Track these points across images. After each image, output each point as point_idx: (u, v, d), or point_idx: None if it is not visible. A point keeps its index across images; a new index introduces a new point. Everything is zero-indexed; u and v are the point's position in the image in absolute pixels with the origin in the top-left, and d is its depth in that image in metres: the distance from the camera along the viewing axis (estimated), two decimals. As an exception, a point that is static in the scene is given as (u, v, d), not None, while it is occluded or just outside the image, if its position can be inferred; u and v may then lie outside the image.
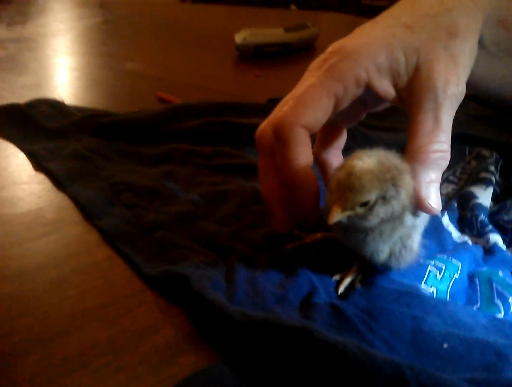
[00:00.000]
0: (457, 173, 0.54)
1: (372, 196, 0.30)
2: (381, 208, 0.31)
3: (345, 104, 0.35)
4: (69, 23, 1.03)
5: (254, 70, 0.80)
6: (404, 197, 0.31)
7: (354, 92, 0.35)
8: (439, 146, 0.33)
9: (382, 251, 0.33)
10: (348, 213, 0.31)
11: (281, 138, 0.35)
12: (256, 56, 0.86)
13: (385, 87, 0.35)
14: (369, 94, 0.37)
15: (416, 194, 0.32)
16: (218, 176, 0.48)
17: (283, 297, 0.33)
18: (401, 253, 0.34)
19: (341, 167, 0.32)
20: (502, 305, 0.35)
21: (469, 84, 0.46)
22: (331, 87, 0.34)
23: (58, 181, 0.44)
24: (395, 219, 0.32)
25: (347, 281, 0.35)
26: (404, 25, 0.35)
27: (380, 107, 0.42)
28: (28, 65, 0.75)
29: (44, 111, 0.52)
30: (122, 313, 0.32)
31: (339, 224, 0.32)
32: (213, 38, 0.98)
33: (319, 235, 0.39)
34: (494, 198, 0.49)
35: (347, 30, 0.37)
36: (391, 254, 0.34)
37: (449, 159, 0.34)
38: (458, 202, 0.47)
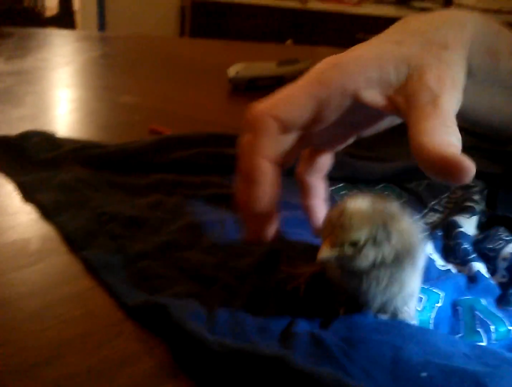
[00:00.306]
0: (442, 202, 0.54)
1: (361, 236, 0.30)
2: (370, 250, 0.31)
3: (330, 114, 0.34)
4: (69, 57, 1.05)
5: (247, 103, 0.81)
6: (396, 242, 0.31)
7: (339, 101, 0.34)
8: (446, 123, 0.31)
9: (377, 302, 0.33)
10: (337, 251, 0.31)
11: (252, 125, 0.34)
12: (249, 89, 0.87)
13: (374, 96, 0.34)
14: (359, 114, 0.37)
15: (438, 156, 0.28)
16: (205, 206, 0.49)
17: (264, 328, 0.33)
18: (395, 312, 0.34)
19: (335, 207, 0.32)
20: (484, 333, 0.35)
21: (461, 115, 0.46)
22: (314, 89, 0.34)
23: (45, 212, 0.45)
24: (392, 267, 0.32)
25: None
26: (394, 41, 0.36)
27: (370, 131, 0.41)
28: (25, 98, 0.76)
29: (35, 143, 0.53)
30: (101, 344, 0.32)
31: (334, 265, 0.32)
32: (208, 71, 1.00)
33: (307, 271, 0.38)
34: (479, 227, 0.50)
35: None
36: (385, 310, 0.33)
37: (461, 140, 0.31)
38: (443, 230, 0.47)
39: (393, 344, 0.31)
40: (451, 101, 0.33)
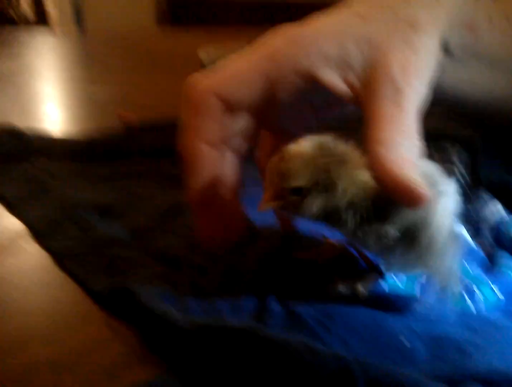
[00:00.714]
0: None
1: (301, 182, 0.27)
2: (315, 197, 0.27)
3: (283, 95, 0.31)
4: (42, 52, 1.03)
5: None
6: (346, 189, 0.27)
7: (292, 79, 0.30)
8: (405, 129, 0.28)
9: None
10: (280, 201, 0.28)
11: (189, 101, 0.30)
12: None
13: (333, 79, 0.30)
14: (318, 95, 0.33)
15: (389, 178, 0.26)
16: (178, 189, 0.47)
17: (238, 306, 0.32)
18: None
19: (277, 152, 0.28)
20: (470, 299, 0.34)
21: (440, 95, 0.43)
22: (265, 66, 0.30)
23: (8, 204, 0.43)
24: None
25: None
26: (358, 15, 0.32)
27: (332, 114, 0.37)
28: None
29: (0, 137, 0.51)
30: (68, 332, 0.30)
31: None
32: (182, 58, 0.98)
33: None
34: (461, 190, 0.48)
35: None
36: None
37: (420, 149, 0.29)
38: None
39: (373, 312, 0.30)
40: (414, 97, 0.30)
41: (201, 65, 0.86)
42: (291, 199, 0.27)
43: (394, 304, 0.31)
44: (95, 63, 0.96)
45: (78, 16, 2.74)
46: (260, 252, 0.37)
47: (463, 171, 0.50)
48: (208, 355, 0.27)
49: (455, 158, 0.50)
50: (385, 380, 0.23)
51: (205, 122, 0.30)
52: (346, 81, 0.30)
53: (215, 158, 0.30)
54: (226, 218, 0.32)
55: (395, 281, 0.34)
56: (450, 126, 0.62)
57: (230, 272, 0.35)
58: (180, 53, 1.01)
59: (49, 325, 0.31)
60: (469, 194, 0.47)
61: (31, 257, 0.38)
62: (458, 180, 0.47)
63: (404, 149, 0.27)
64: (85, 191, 0.45)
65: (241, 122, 0.32)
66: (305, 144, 0.28)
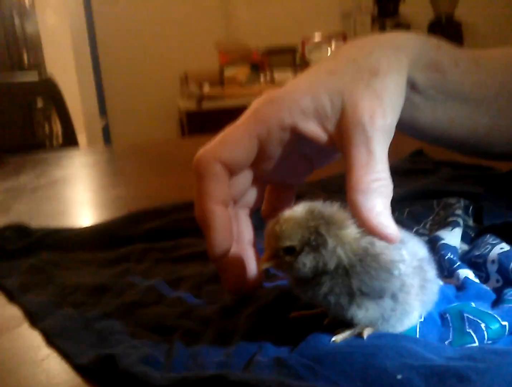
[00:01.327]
0: (427, 226, 0.52)
1: (293, 242, 0.30)
2: (307, 256, 0.30)
3: (274, 149, 0.35)
4: (73, 169, 1.09)
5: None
6: (335, 248, 0.30)
7: (278, 135, 0.34)
8: (377, 175, 0.33)
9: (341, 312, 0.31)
10: (274, 261, 0.30)
11: (197, 172, 0.34)
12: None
13: (313, 129, 0.35)
14: (311, 148, 0.37)
15: (367, 225, 0.31)
16: (177, 266, 0.47)
17: (226, 363, 0.30)
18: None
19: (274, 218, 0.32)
20: (474, 333, 0.31)
21: (420, 133, 0.46)
22: (253, 128, 0.34)
23: (10, 294, 0.44)
24: (342, 275, 0.30)
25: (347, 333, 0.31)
26: (328, 71, 0.36)
27: (325, 161, 0.41)
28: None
29: (7, 236, 0.53)
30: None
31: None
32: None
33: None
34: (469, 242, 0.47)
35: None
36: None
37: (391, 187, 0.33)
38: (428, 245, 0.44)
39: (363, 353, 0.28)
40: (382, 140, 0.34)
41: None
42: (285, 258, 0.30)
43: (392, 344, 0.29)
44: (119, 171, 1.01)
45: (106, 136, 2.97)
46: (252, 311, 0.36)
47: (468, 222, 0.49)
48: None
49: (459, 211, 0.50)
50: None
51: (213, 185, 0.34)
52: (324, 129, 0.35)
53: (228, 216, 0.34)
54: (245, 269, 0.36)
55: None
56: (455, 183, 0.62)
57: (221, 334, 0.34)
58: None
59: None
60: (473, 240, 0.46)
61: (23, 339, 0.37)
62: (468, 234, 0.46)
63: (378, 194, 0.32)
64: (86, 277, 0.46)
65: (245, 180, 0.37)
66: (297, 209, 0.31)
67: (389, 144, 0.34)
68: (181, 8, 3.00)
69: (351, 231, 0.31)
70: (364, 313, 0.30)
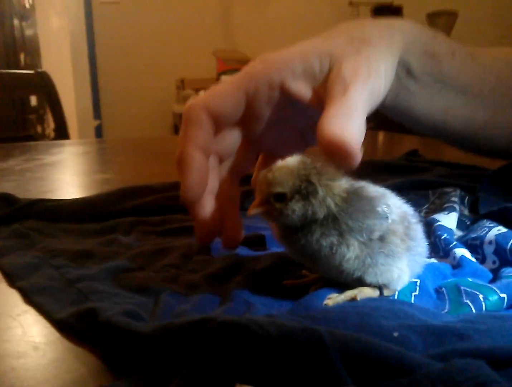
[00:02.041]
0: (422, 213, 0.51)
1: (284, 189, 0.30)
2: (297, 204, 0.30)
3: (261, 107, 0.35)
4: (61, 151, 1.07)
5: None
6: (325, 197, 0.30)
7: (267, 92, 0.35)
8: (350, 109, 0.32)
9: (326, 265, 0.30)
10: (265, 207, 0.30)
11: (184, 118, 0.35)
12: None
13: (300, 89, 0.35)
14: (297, 113, 0.37)
15: (326, 140, 0.30)
16: (165, 239, 0.45)
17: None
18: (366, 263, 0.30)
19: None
20: (472, 303, 0.30)
21: (413, 121, 0.45)
22: (242, 82, 0.35)
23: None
24: (330, 227, 0.30)
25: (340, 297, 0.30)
26: (321, 38, 0.37)
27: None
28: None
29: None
30: (29, 361, 0.27)
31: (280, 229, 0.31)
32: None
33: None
34: (465, 229, 0.46)
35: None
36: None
37: (363, 132, 0.32)
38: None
39: (357, 312, 0.26)
40: (362, 91, 0.33)
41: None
42: (275, 205, 0.30)
43: (387, 306, 0.28)
44: (109, 160, 1.00)
45: (98, 136, 2.95)
46: (242, 278, 0.34)
47: (464, 212, 0.49)
48: (172, 356, 0.23)
49: (455, 199, 0.49)
50: (362, 350, 0.19)
51: (196, 131, 0.35)
52: (311, 89, 0.35)
53: (205, 163, 0.35)
54: (220, 221, 0.36)
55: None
56: (450, 179, 0.61)
57: (210, 298, 0.32)
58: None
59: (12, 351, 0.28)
60: (468, 225, 0.45)
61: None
62: (464, 222, 0.45)
63: (345, 120, 0.31)
64: (70, 244, 0.44)
65: (233, 139, 0.37)
66: (290, 160, 0.31)
67: (370, 108, 0.34)
68: (181, 15, 3.02)
69: (342, 183, 0.31)
70: (353, 252, 0.29)
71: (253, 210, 0.30)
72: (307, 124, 0.39)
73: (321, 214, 0.30)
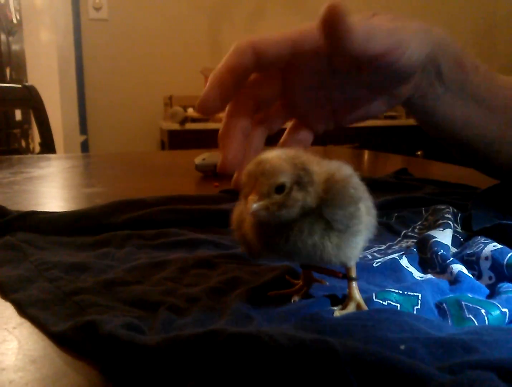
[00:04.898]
0: (416, 230, 0.51)
1: (286, 178, 0.28)
2: (298, 193, 0.28)
3: (304, 62, 0.38)
4: (54, 167, 1.06)
5: (214, 183, 0.81)
6: (318, 187, 0.29)
7: (313, 50, 0.37)
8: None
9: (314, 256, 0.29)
10: (265, 200, 0.28)
11: (229, 51, 0.37)
12: (216, 175, 0.87)
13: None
14: (335, 86, 0.40)
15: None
16: (160, 252, 0.45)
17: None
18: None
19: (250, 162, 0.30)
20: (475, 318, 0.30)
21: (435, 126, 0.48)
22: (291, 36, 0.37)
23: (-20, 269, 0.41)
24: (317, 216, 0.29)
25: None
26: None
27: (349, 118, 0.43)
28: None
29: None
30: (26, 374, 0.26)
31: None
32: (179, 167, 1.01)
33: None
34: (459, 245, 0.46)
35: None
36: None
37: None
38: (418, 246, 0.44)
39: (363, 325, 0.26)
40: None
41: (196, 168, 0.88)
42: (277, 197, 0.28)
43: (393, 318, 0.28)
44: (96, 173, 0.99)
45: (85, 151, 2.93)
46: (241, 291, 0.34)
47: (457, 229, 0.49)
48: (177, 369, 0.23)
49: (449, 215, 0.49)
50: (375, 362, 0.19)
51: (237, 59, 0.36)
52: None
53: (221, 76, 0.36)
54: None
55: (391, 302, 0.31)
56: (443, 196, 0.62)
57: (209, 311, 0.32)
58: (179, 164, 1.04)
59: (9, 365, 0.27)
60: (462, 244, 0.46)
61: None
62: (457, 239, 0.46)
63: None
64: (63, 256, 0.43)
65: (270, 90, 0.39)
66: (275, 152, 0.29)
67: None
68: (169, 33, 3.03)
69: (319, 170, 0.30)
70: (334, 242, 0.29)
71: (254, 206, 0.27)
72: (341, 103, 0.42)
73: (313, 203, 0.29)
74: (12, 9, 3.01)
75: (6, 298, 0.35)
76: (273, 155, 0.29)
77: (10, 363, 0.27)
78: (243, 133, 0.37)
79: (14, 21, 3.01)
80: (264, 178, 0.28)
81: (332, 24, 0.32)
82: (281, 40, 0.37)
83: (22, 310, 0.33)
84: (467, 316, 0.30)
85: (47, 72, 2.97)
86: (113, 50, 3.00)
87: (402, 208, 0.57)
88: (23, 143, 2.90)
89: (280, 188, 0.28)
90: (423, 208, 0.55)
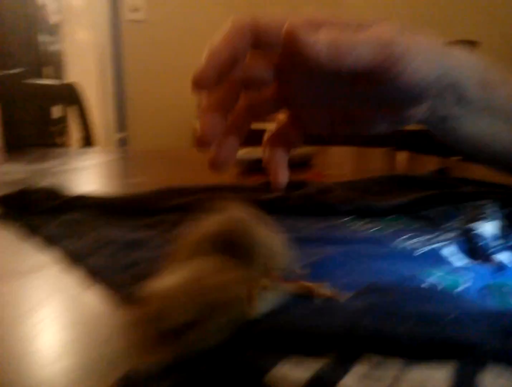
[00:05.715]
0: (458, 223, 0.52)
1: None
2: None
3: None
4: (91, 157, 1.09)
5: (250, 179, 0.83)
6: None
7: None
8: None
9: None
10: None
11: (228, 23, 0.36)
12: (254, 171, 0.89)
13: None
14: (335, 90, 0.38)
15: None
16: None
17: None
18: None
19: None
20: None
21: (457, 143, 0.46)
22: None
23: (48, 241, 0.44)
24: None
25: None
26: None
27: (349, 128, 0.41)
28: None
29: (40, 196, 0.54)
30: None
31: None
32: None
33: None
34: (503, 237, 0.47)
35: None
36: None
37: None
38: (460, 237, 0.45)
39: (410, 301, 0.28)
40: None
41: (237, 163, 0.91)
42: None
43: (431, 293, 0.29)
44: (137, 166, 1.02)
45: (122, 143, 3.00)
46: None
47: (501, 219, 0.50)
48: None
49: (493, 209, 0.50)
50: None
51: (236, 40, 0.35)
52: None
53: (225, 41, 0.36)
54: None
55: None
56: (488, 193, 0.62)
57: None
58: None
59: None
60: (506, 234, 0.46)
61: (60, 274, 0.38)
62: (497, 224, 0.47)
63: None
64: (118, 233, 0.46)
65: (265, 71, 0.36)
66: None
67: None
68: (206, 33, 3.08)
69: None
70: None
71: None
72: (339, 110, 0.40)
73: None
74: (51, 11, 3.11)
75: (71, 266, 0.38)
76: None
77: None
78: (224, 108, 0.36)
79: (54, 22, 3.12)
80: (271, 262, 0.29)
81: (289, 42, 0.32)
82: (284, 25, 0.34)
83: (91, 276, 0.36)
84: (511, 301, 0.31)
85: (85, 72, 3.06)
86: (152, 50, 3.07)
87: (444, 203, 0.57)
88: (61, 140, 2.99)
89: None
90: (465, 203, 0.55)
